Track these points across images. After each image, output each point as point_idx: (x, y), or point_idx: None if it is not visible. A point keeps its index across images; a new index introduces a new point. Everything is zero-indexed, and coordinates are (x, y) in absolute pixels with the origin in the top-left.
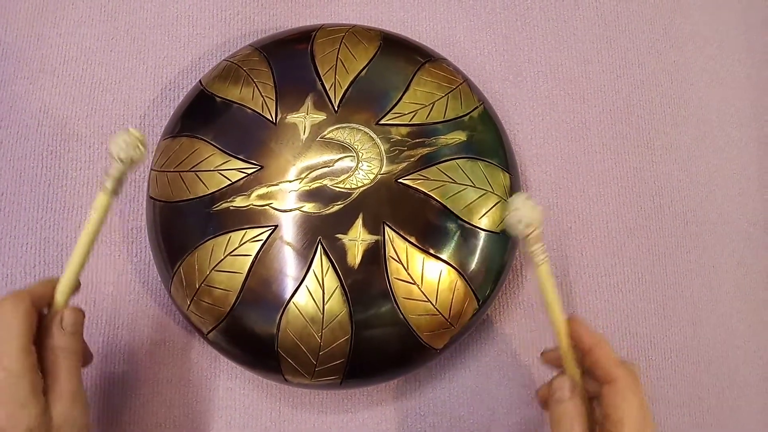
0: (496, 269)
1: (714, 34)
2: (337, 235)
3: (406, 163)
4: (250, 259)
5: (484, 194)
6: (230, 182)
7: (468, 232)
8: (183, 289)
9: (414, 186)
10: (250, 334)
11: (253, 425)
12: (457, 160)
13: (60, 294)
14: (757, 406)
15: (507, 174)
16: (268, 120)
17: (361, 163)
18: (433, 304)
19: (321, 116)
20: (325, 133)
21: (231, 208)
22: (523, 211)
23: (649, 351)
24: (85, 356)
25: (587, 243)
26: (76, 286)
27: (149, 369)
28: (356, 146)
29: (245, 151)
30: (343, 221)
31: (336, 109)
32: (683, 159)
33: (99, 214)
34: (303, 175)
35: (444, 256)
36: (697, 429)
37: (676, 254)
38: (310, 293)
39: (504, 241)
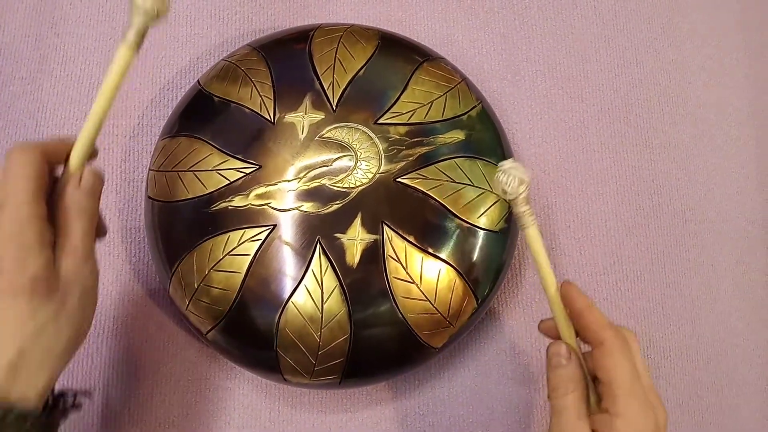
0: (495, 268)
1: (712, 33)
2: (335, 235)
3: (404, 163)
4: (248, 259)
5: (482, 193)
6: (229, 182)
7: (467, 231)
8: (182, 288)
9: (412, 185)
10: (249, 333)
11: (253, 425)
12: (455, 159)
13: (75, 157)
14: (756, 404)
15: None
16: (267, 119)
17: (359, 163)
18: (432, 303)
19: (319, 116)
20: (324, 132)
21: (229, 207)
22: (511, 173)
23: (648, 349)
24: (99, 227)
25: (586, 241)
26: (93, 152)
27: (148, 369)
28: (354, 145)
29: (243, 151)
30: (341, 220)
31: (334, 108)
32: (682, 157)
33: (119, 70)
34: (301, 175)
35: (443, 255)
36: (696, 427)
37: (674, 253)
38: (309, 293)
39: (503, 239)
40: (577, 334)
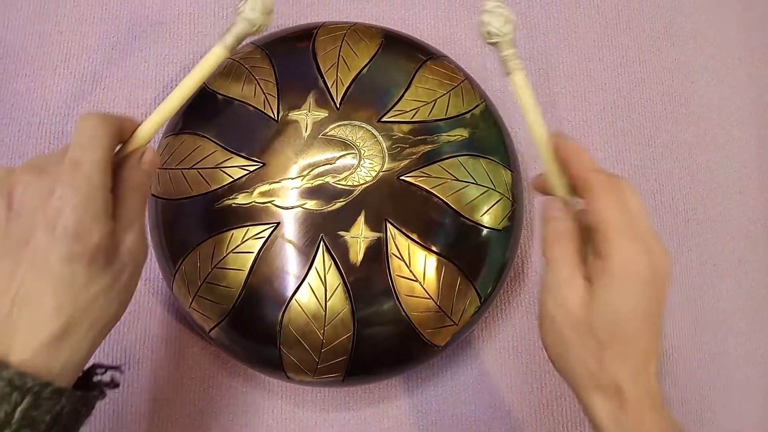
0: (497, 267)
1: (714, 32)
2: (339, 233)
3: (408, 161)
4: (252, 257)
5: (486, 191)
6: (232, 179)
7: (470, 230)
8: (185, 286)
9: (416, 183)
10: (253, 331)
11: (255, 423)
12: (459, 158)
13: (145, 131)
14: (758, 404)
15: (509, 171)
16: (270, 117)
17: (363, 161)
18: (434, 302)
19: (323, 114)
20: (327, 130)
21: (233, 205)
22: (496, 11)
23: None
24: None
25: None
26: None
27: (151, 367)
28: (358, 143)
29: (247, 149)
30: (345, 218)
31: (338, 106)
32: (684, 157)
33: (209, 64)
34: (305, 173)
35: (446, 253)
36: (699, 426)
37: (677, 252)
38: (313, 290)
39: (506, 238)
40: (570, 185)
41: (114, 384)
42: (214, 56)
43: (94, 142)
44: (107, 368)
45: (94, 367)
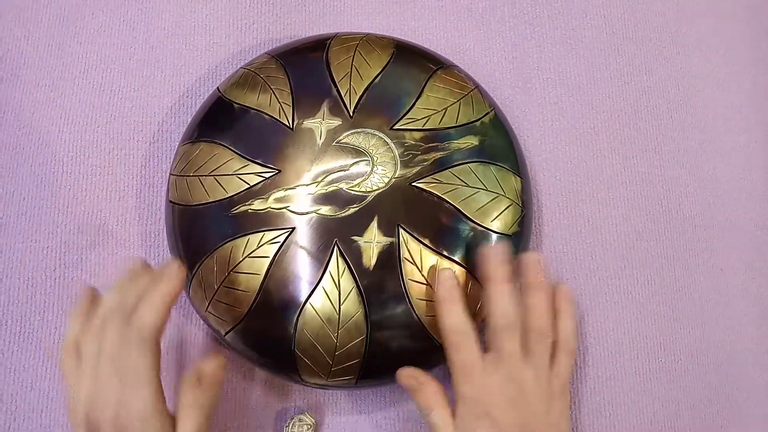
0: None
1: (720, 41)
2: (352, 237)
3: (419, 167)
4: (268, 261)
5: (496, 197)
6: (248, 186)
7: (480, 235)
8: (202, 290)
9: (428, 189)
10: (268, 334)
11: (268, 426)
12: (469, 164)
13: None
14: (766, 408)
15: (518, 178)
16: (285, 126)
17: (375, 167)
18: None
19: (336, 122)
20: (341, 138)
21: (249, 211)
22: None
23: (659, 353)
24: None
25: (597, 246)
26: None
27: (166, 370)
28: (371, 151)
29: (263, 156)
30: (358, 224)
31: (351, 114)
32: (691, 163)
33: None
34: (319, 179)
35: (457, 258)
36: (707, 431)
37: (684, 257)
38: (327, 294)
39: (516, 243)
40: None
41: None
42: None
43: (138, 382)
44: None
45: None
